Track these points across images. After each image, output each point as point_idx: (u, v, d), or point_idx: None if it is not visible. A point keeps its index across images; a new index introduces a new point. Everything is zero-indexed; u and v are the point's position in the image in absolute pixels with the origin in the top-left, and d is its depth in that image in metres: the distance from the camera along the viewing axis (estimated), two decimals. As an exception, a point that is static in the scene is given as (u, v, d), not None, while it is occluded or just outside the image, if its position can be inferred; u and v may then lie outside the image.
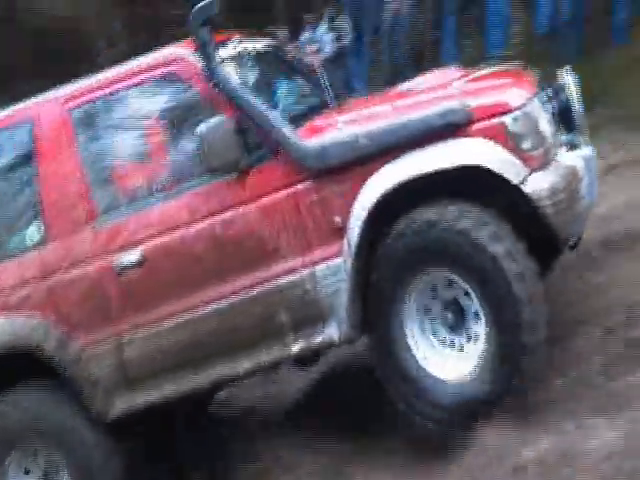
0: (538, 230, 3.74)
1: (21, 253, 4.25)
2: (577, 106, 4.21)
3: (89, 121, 4.22)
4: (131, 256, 4.08)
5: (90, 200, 4.16)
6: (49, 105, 4.28)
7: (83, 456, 4.17)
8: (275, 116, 4.04)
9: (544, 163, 3.77)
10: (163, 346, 4.12)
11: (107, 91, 4.21)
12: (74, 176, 4.17)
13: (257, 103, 4.04)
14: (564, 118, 4.13)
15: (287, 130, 3.99)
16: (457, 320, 3.86)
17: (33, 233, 4.25)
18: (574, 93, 4.21)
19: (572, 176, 3.81)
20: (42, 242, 4.22)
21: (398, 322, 3.87)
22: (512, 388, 3.70)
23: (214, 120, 3.86)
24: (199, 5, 4.00)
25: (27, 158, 4.25)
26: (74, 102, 4.23)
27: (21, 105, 4.41)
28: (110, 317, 4.15)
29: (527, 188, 3.68)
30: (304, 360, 4.51)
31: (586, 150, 4.12)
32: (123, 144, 4.20)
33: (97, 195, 4.17)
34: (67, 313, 4.18)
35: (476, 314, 3.77)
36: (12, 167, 4.30)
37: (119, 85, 4.21)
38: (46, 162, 4.20)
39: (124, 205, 4.15)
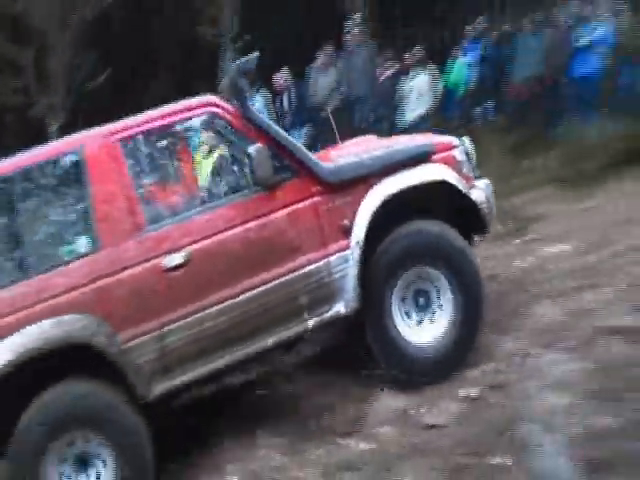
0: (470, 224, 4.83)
1: (72, 261, 4.28)
2: (473, 157, 5.11)
3: (139, 149, 4.46)
4: (177, 257, 4.30)
5: (137, 213, 4.35)
6: (99, 136, 4.46)
7: (126, 439, 4.20)
8: (300, 145, 4.69)
9: (473, 184, 4.83)
10: (203, 331, 4.33)
11: (152, 126, 4.49)
12: (124, 194, 4.36)
13: (284, 134, 4.66)
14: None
15: (310, 155, 4.61)
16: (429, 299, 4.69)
17: (83, 243, 4.33)
18: (471, 149, 5.09)
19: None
20: (93, 251, 4.29)
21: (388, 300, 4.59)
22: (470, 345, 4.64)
23: (258, 145, 4.34)
24: (242, 60, 4.63)
25: (79, 180, 4.37)
26: (128, 132, 4.47)
27: (75, 136, 4.56)
28: (154, 311, 4.28)
29: (473, 197, 4.73)
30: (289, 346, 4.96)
31: (485, 180, 5.04)
32: (170, 168, 4.58)
33: (144, 209, 4.38)
34: (115, 310, 4.25)
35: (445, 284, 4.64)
36: (65, 187, 4.41)
37: (164, 121, 4.52)
38: (98, 183, 4.35)
39: (168, 217, 4.39)
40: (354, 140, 5.70)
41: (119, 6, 12.40)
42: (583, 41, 9.67)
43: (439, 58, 10.91)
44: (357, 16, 9.06)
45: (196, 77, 12.93)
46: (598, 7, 9.97)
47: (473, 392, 4.30)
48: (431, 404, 4.37)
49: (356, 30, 9.01)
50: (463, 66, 10.90)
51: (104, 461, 4.20)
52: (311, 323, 4.51)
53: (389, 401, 4.52)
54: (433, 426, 4.17)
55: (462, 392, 4.35)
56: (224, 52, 11.82)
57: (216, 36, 11.84)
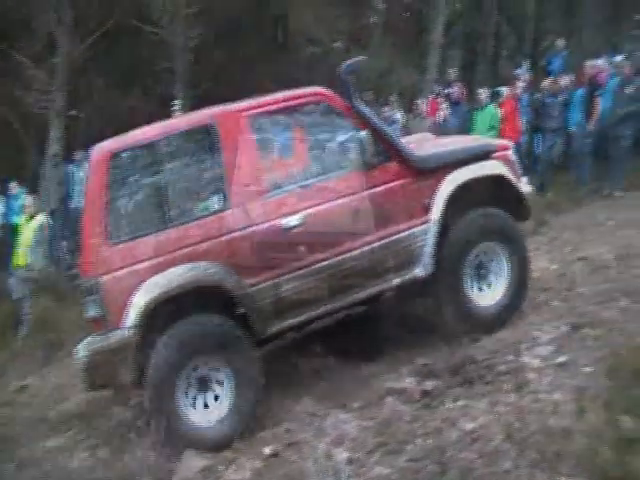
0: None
1: (205, 217, 4.72)
2: None
3: (263, 126, 4.92)
4: (294, 219, 4.79)
5: (261, 180, 4.81)
6: (235, 110, 4.92)
7: (244, 367, 4.66)
8: (396, 134, 5.40)
9: (520, 180, 5.59)
10: (310, 283, 4.81)
11: (275, 107, 4.98)
12: (251, 163, 4.81)
13: (384, 125, 5.34)
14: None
15: (404, 144, 5.24)
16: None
17: (216, 201, 4.74)
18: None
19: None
20: (224, 209, 4.73)
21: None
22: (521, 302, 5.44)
23: (365, 133, 4.95)
24: (349, 62, 5.15)
25: (213, 148, 4.80)
26: (253, 110, 4.93)
27: (211, 110, 4.97)
28: (272, 264, 4.75)
29: (522, 189, 5.52)
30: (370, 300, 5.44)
31: (525, 178, 5.80)
32: (287, 144, 5.10)
33: (267, 176, 4.85)
34: (240, 260, 4.68)
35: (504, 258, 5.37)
36: (201, 153, 4.83)
37: (285, 104, 4.99)
38: (229, 151, 4.78)
39: (287, 185, 4.88)
40: (413, 136, 6.49)
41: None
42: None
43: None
44: (178, 101, 9.30)
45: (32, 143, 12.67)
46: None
47: (271, 450, 4.44)
48: (235, 461, 4.45)
49: (178, 113, 9.21)
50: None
51: (223, 385, 4.69)
52: (395, 282, 5.11)
53: (197, 459, 4.55)
54: (236, 482, 4.22)
55: (262, 450, 4.48)
56: (52, 123, 11.50)
57: (43, 107, 11.48)
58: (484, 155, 5.44)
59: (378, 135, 5.06)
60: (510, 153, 5.66)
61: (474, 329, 5.16)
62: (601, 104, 9.71)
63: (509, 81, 11.38)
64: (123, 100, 12.75)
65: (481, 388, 4.45)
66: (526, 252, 5.48)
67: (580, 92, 10.01)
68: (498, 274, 5.38)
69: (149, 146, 4.74)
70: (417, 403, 4.54)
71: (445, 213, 5.16)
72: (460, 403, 4.33)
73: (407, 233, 5.10)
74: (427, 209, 5.15)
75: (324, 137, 5.04)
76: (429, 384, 4.71)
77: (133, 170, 4.71)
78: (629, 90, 9.52)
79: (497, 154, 5.51)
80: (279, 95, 5.05)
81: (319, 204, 4.89)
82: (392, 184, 5.08)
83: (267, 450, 4.43)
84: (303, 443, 4.37)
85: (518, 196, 5.50)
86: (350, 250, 4.91)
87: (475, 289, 5.32)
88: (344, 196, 4.94)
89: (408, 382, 4.82)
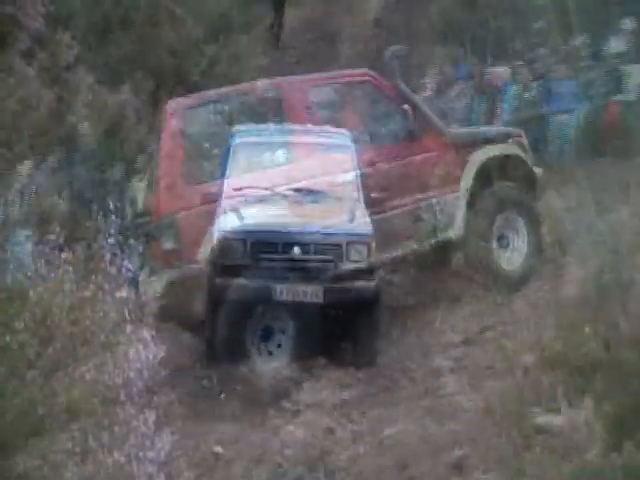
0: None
1: (271, 167, 5.33)
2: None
3: (320, 95, 5.94)
4: (348, 175, 5.33)
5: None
6: (298, 81, 6.00)
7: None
8: (432, 113, 6.25)
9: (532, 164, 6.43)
10: None
11: (331, 81, 6.05)
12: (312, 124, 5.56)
13: (422, 103, 6.33)
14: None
15: (438, 120, 6.21)
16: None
17: (281, 156, 5.43)
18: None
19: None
20: (288, 162, 5.38)
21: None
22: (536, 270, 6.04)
23: (408, 106, 5.79)
24: (392, 49, 6.22)
25: (279, 109, 5.71)
26: (312, 83, 5.98)
27: (277, 79, 6.03)
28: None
29: (535, 171, 6.33)
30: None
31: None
32: (340, 113, 5.95)
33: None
34: (300, 209, 5.08)
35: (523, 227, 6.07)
36: (267, 112, 5.76)
37: (338, 79, 6.08)
38: (294, 115, 5.67)
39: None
40: None
41: None
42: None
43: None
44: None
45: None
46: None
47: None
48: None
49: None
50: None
51: (284, 332, 4.93)
52: (426, 244, 5.72)
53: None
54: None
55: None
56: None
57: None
58: (504, 138, 6.38)
59: (417, 111, 5.91)
60: (524, 139, 6.48)
61: (500, 291, 5.65)
62: (502, 109, 10.06)
63: (417, 89, 11.59)
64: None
65: (398, 394, 4.51)
66: (540, 222, 6.14)
67: (481, 97, 10.36)
68: (518, 241, 6.08)
69: (219, 102, 5.70)
70: (336, 414, 4.55)
71: (475, 183, 5.94)
72: (377, 411, 4.38)
73: (441, 198, 5.86)
74: (458, 179, 5.96)
75: (370, 110, 6.01)
76: (347, 394, 4.74)
77: (206, 121, 5.66)
78: (528, 96, 9.93)
79: (514, 139, 6.39)
80: (335, 72, 6.31)
81: (370, 165, 5.58)
82: (429, 154, 5.89)
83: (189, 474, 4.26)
84: (223, 463, 4.29)
85: (531, 176, 6.28)
86: (391, 209, 5.61)
87: (500, 254, 6.02)
88: (391, 160, 5.71)
89: (326, 393, 4.83)
